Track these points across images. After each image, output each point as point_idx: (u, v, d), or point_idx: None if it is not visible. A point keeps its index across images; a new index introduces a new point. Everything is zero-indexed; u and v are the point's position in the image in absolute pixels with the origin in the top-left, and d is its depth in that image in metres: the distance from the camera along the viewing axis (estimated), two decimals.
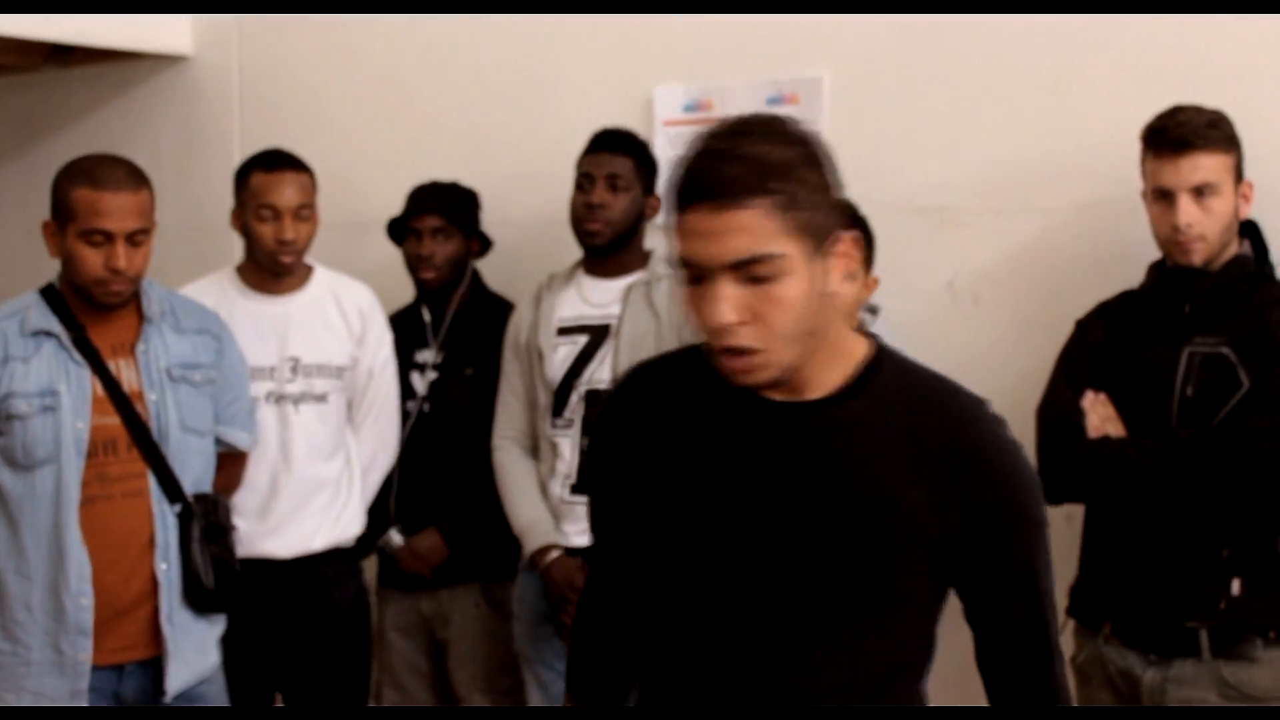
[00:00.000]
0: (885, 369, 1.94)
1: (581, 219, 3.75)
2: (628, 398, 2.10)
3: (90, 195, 3.21)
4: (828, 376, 1.91)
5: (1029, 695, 2.01)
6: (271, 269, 3.80)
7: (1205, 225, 3.12)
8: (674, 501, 1.96)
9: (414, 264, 4.05)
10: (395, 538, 4.03)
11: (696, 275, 1.82)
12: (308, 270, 3.89)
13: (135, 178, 3.29)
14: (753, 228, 1.77)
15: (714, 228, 1.78)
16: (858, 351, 1.95)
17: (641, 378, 2.12)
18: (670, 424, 2.00)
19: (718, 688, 1.95)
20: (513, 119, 4.42)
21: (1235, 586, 3.05)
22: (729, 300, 1.79)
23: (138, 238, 3.24)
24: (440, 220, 4.01)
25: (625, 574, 2.10)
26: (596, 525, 2.19)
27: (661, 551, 1.99)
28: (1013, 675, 2.00)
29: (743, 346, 1.81)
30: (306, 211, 3.79)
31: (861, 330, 2.04)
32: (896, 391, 1.93)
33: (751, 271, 1.78)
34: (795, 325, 1.81)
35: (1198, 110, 3.16)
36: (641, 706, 2.10)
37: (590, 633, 2.24)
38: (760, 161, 1.78)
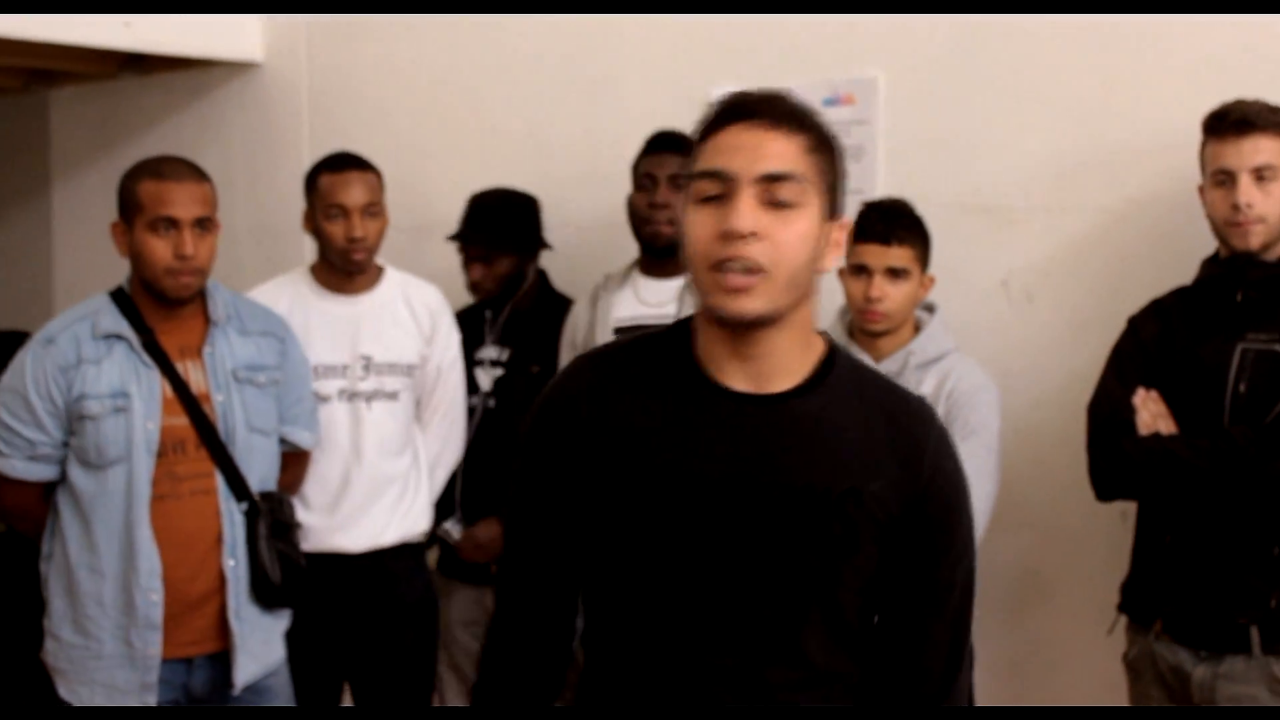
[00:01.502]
0: (840, 365, 1.99)
1: (645, 219, 3.78)
2: (573, 389, 2.02)
3: (155, 185, 3.31)
4: (792, 364, 1.94)
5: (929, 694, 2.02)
6: (344, 267, 3.86)
7: (1265, 207, 3.11)
8: (638, 492, 1.94)
9: (467, 280, 4.15)
10: (453, 528, 4.10)
11: (715, 194, 1.86)
12: (379, 271, 3.96)
13: (197, 171, 3.40)
14: (788, 152, 1.86)
15: (756, 142, 1.85)
16: (818, 346, 1.99)
17: (587, 368, 2.05)
18: (628, 414, 1.97)
19: (691, 685, 1.94)
20: (573, 121, 4.47)
21: None
22: (751, 211, 1.83)
23: (204, 224, 3.33)
24: (482, 249, 4.10)
25: (556, 574, 2.06)
26: (523, 524, 2.08)
27: (625, 543, 1.96)
28: (913, 673, 2.02)
29: (751, 260, 1.83)
30: (375, 209, 3.85)
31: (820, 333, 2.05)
32: (852, 387, 1.97)
33: (777, 191, 1.84)
34: (800, 264, 1.86)
35: (1259, 99, 3.17)
36: (607, 706, 2.04)
37: (512, 642, 2.11)
38: (801, 107, 1.92)
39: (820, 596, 1.93)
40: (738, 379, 1.94)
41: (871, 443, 1.93)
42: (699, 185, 1.87)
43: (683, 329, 2.01)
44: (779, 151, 1.85)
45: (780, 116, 1.88)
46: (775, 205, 1.85)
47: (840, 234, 1.95)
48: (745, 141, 1.86)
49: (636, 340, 2.07)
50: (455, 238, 4.16)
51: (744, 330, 1.89)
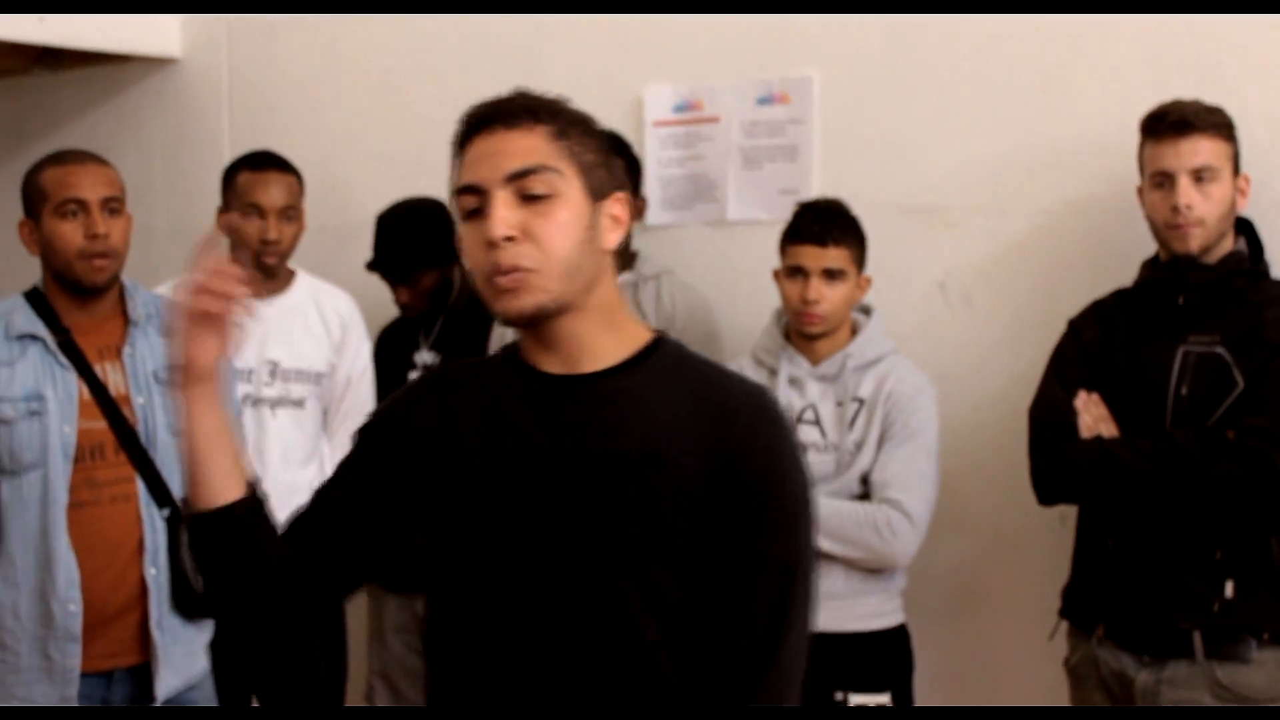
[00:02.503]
0: (662, 353, 1.99)
1: None
2: (411, 395, 2.12)
3: (58, 171, 3.25)
4: (602, 347, 1.96)
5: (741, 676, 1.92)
6: (254, 269, 3.78)
7: (1204, 209, 3.10)
8: (454, 477, 1.98)
9: (396, 302, 4.11)
10: None
11: (475, 207, 1.89)
12: (290, 274, 3.88)
13: (99, 158, 3.34)
14: (530, 146, 1.88)
15: (495, 148, 1.88)
16: (640, 336, 2.00)
17: (429, 378, 2.14)
18: (455, 412, 2.01)
19: (524, 662, 1.92)
20: None
21: (1229, 588, 3.03)
22: (505, 216, 1.85)
23: (112, 204, 3.25)
24: (401, 272, 4.03)
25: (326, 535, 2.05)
26: (326, 489, 2.10)
27: (448, 530, 1.99)
28: (732, 655, 1.92)
29: (516, 264, 1.85)
30: (292, 212, 3.79)
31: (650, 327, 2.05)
32: (674, 372, 1.97)
33: (528, 186, 1.86)
34: (569, 253, 1.87)
35: (1197, 100, 3.16)
36: (442, 685, 2.05)
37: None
38: (537, 100, 1.93)
39: (628, 565, 1.90)
40: (552, 365, 1.97)
41: (680, 417, 1.92)
42: (459, 201, 1.92)
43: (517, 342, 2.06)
44: (520, 148, 1.88)
45: (514, 114, 1.90)
46: (531, 199, 1.87)
47: (619, 208, 1.96)
48: (487, 149, 1.89)
49: (479, 359, 2.18)
50: (371, 267, 4.08)
51: (535, 326, 1.93)
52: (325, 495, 2.08)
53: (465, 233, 1.91)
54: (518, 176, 1.86)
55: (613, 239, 1.94)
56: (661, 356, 1.98)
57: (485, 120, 1.90)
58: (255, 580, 2.01)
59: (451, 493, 1.99)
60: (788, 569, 1.94)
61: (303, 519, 2.08)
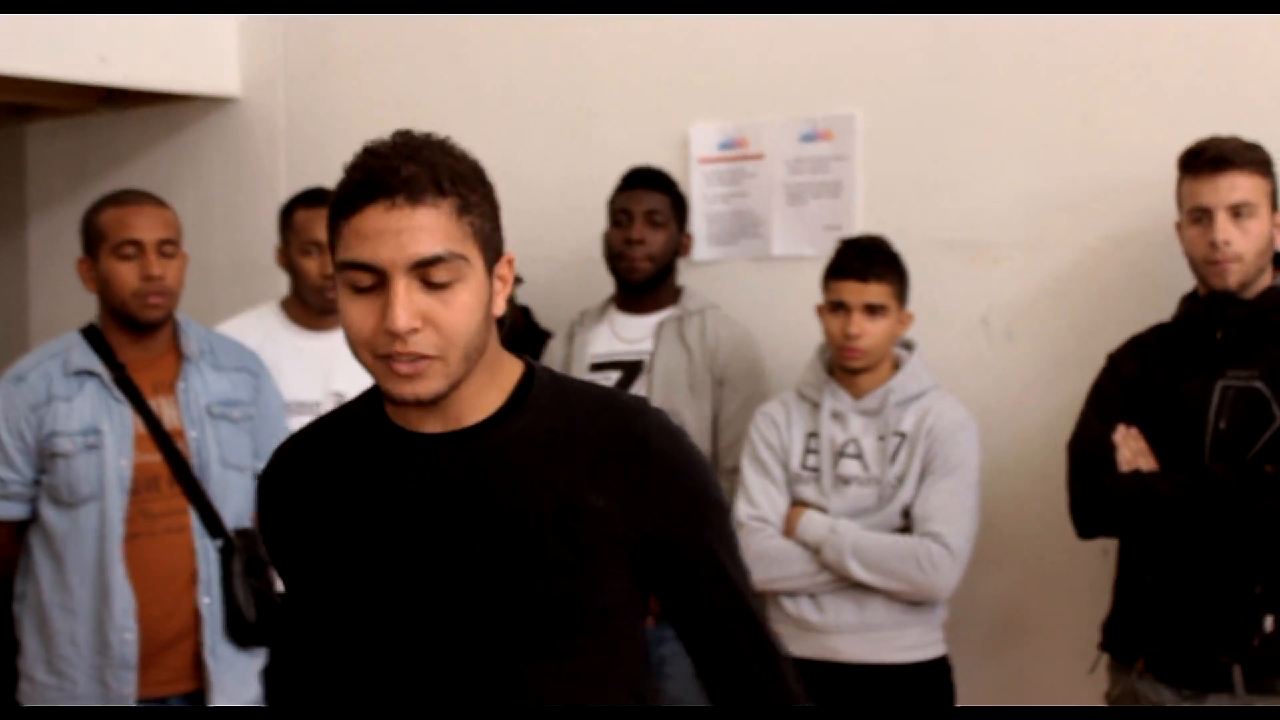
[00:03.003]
0: (539, 385, 1.88)
1: (620, 255, 3.79)
2: (280, 473, 1.99)
3: (117, 212, 3.33)
4: (485, 400, 1.84)
5: (760, 694, 1.92)
6: (318, 304, 3.84)
7: (1242, 245, 3.11)
8: (348, 557, 1.86)
9: None
10: None
11: (364, 284, 1.75)
12: None
13: (157, 199, 3.42)
14: (436, 228, 1.73)
15: (396, 226, 1.72)
16: (514, 371, 1.89)
17: (291, 450, 2.00)
18: (330, 485, 1.90)
19: None
20: (551, 156, 4.46)
21: (1269, 622, 3.02)
22: (409, 304, 1.72)
23: (167, 248, 3.33)
24: None
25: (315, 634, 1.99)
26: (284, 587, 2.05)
27: (345, 608, 1.88)
28: (734, 677, 1.92)
29: (419, 353, 1.74)
30: None
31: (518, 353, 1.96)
32: (555, 404, 1.87)
33: (432, 274, 1.73)
34: (470, 336, 1.76)
35: (1234, 137, 3.18)
36: None
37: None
38: (439, 165, 1.76)
39: (544, 629, 1.81)
40: (429, 424, 1.85)
41: (584, 456, 1.82)
42: (349, 275, 1.76)
43: (373, 393, 1.92)
44: (427, 229, 1.72)
45: (418, 188, 1.73)
46: (433, 285, 1.74)
47: (507, 269, 1.85)
48: (388, 225, 1.72)
49: (332, 414, 2.01)
50: None
51: (426, 405, 1.80)
52: (291, 601, 2.03)
53: (351, 308, 1.77)
54: (423, 264, 1.73)
55: (501, 302, 1.83)
56: (540, 390, 1.87)
57: (383, 188, 1.73)
58: None
59: (335, 570, 1.87)
60: (744, 576, 1.93)
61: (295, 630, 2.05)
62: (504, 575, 1.80)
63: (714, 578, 1.89)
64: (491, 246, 1.80)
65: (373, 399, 1.92)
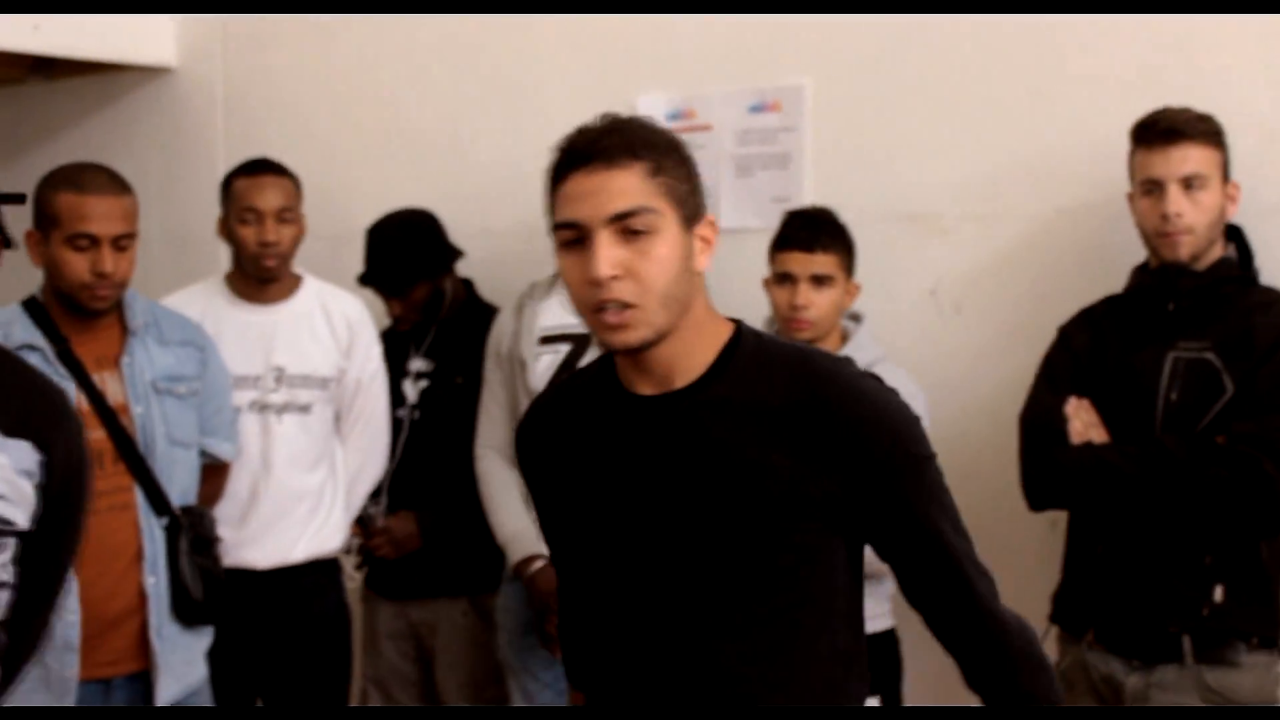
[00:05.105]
0: (744, 348, 2.06)
1: None
2: (533, 426, 2.23)
3: (75, 199, 3.22)
4: (692, 362, 2.03)
5: (975, 632, 2.10)
6: (256, 274, 3.81)
7: (1193, 217, 3.12)
8: (581, 510, 2.11)
9: (389, 314, 4.13)
10: (377, 512, 4.06)
11: (574, 239, 1.96)
12: (296, 280, 3.90)
13: (119, 184, 3.31)
14: (629, 187, 1.94)
15: (595, 187, 1.94)
16: (722, 333, 2.07)
17: (544, 405, 2.25)
18: (570, 439, 2.14)
19: (653, 673, 2.04)
20: (496, 128, 4.43)
21: (1218, 593, 3.05)
22: (609, 255, 1.93)
23: (123, 242, 3.25)
24: (387, 291, 4.06)
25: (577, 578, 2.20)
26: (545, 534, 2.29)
27: (581, 558, 2.14)
28: (947, 618, 2.10)
29: (620, 300, 1.94)
30: (289, 214, 3.80)
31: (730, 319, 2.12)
32: (756, 368, 2.04)
33: (629, 225, 1.94)
34: (668, 285, 1.95)
35: (1186, 108, 3.19)
36: (591, 706, 2.18)
37: (572, 630, 2.26)
38: (633, 135, 1.98)
39: (748, 580, 2.00)
40: (645, 386, 2.05)
41: (779, 419, 1.99)
42: (560, 234, 1.98)
43: (608, 357, 2.12)
44: (621, 188, 1.94)
45: (614, 152, 1.96)
46: (631, 236, 1.94)
47: (709, 230, 2.04)
48: (587, 187, 1.95)
49: (576, 374, 2.25)
50: (364, 280, 4.10)
51: (636, 353, 2.00)
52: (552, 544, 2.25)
53: (565, 263, 1.99)
54: (619, 218, 1.93)
55: (703, 260, 2.02)
56: (742, 353, 2.05)
57: (584, 157, 1.96)
58: None
59: (570, 517, 2.14)
60: (956, 530, 2.06)
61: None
62: (702, 531, 2.00)
63: (915, 532, 2.04)
64: (688, 206, 2.00)
65: (607, 363, 2.13)
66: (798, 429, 1.98)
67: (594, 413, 2.11)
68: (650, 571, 2.03)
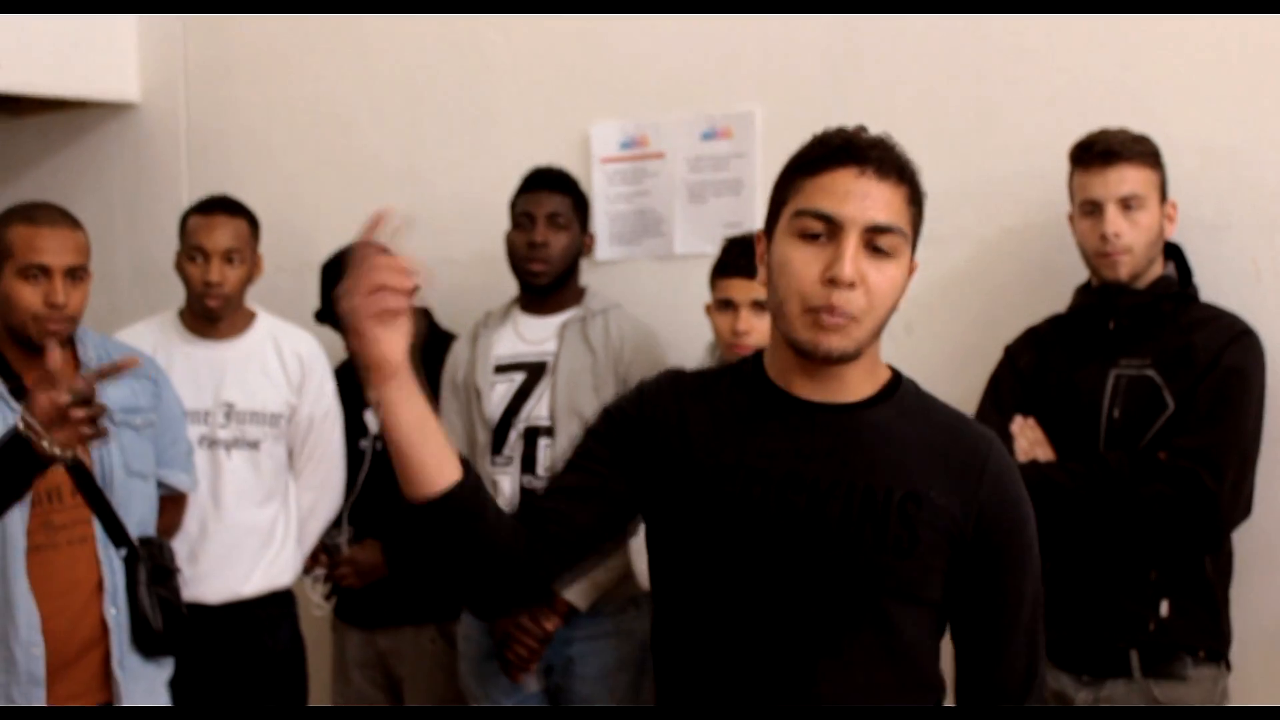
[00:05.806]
0: (905, 388, 2.08)
1: (524, 258, 3.77)
2: (673, 386, 2.14)
3: (27, 231, 3.24)
4: (861, 386, 2.03)
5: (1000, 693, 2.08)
6: (200, 312, 3.84)
7: (1132, 237, 3.16)
8: (710, 485, 2.02)
9: (346, 348, 4.12)
10: (342, 541, 4.08)
11: (816, 233, 1.93)
12: (249, 316, 3.92)
13: (70, 219, 3.34)
14: (894, 203, 1.95)
15: (862, 191, 1.93)
16: (883, 373, 2.08)
17: (680, 376, 2.18)
18: (700, 417, 2.07)
19: (746, 673, 2.00)
20: (452, 158, 4.46)
21: (1164, 607, 3.09)
22: (856, 260, 1.91)
23: (76, 273, 3.27)
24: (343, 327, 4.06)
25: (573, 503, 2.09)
26: (574, 458, 2.15)
27: (698, 529, 2.03)
28: (992, 684, 2.08)
29: (849, 309, 1.92)
30: (237, 256, 3.82)
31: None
32: (918, 407, 2.06)
33: (879, 241, 1.93)
34: (887, 310, 1.97)
35: (1123, 129, 3.23)
36: (670, 695, 2.11)
37: (670, 610, 2.14)
38: (901, 157, 1.99)
39: (870, 599, 1.97)
40: (808, 391, 2.02)
41: (933, 455, 2.00)
42: (803, 221, 1.95)
43: (756, 360, 2.11)
44: (887, 201, 1.94)
45: (889, 167, 1.95)
46: (875, 252, 1.93)
47: (908, 277, 2.02)
48: (856, 188, 1.93)
49: (718, 368, 2.27)
50: (320, 318, 4.10)
51: (824, 362, 1.97)
52: (564, 477, 2.13)
53: (796, 254, 1.95)
54: (876, 230, 1.92)
55: (900, 299, 2.00)
56: (904, 394, 2.06)
57: (859, 158, 1.95)
58: (488, 557, 2.02)
59: (687, 500, 2.04)
60: (1037, 601, 2.09)
61: (539, 497, 2.13)
62: (845, 540, 1.97)
63: (1005, 595, 2.05)
64: (914, 242, 2.00)
65: (755, 361, 2.10)
66: (956, 477, 1.99)
67: (746, 400, 2.06)
68: (773, 559, 1.98)
